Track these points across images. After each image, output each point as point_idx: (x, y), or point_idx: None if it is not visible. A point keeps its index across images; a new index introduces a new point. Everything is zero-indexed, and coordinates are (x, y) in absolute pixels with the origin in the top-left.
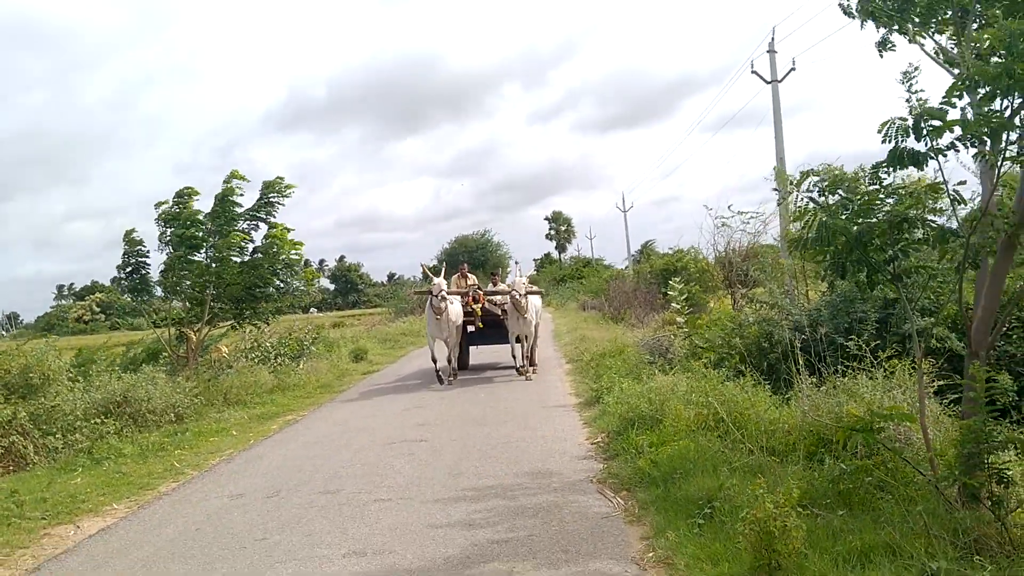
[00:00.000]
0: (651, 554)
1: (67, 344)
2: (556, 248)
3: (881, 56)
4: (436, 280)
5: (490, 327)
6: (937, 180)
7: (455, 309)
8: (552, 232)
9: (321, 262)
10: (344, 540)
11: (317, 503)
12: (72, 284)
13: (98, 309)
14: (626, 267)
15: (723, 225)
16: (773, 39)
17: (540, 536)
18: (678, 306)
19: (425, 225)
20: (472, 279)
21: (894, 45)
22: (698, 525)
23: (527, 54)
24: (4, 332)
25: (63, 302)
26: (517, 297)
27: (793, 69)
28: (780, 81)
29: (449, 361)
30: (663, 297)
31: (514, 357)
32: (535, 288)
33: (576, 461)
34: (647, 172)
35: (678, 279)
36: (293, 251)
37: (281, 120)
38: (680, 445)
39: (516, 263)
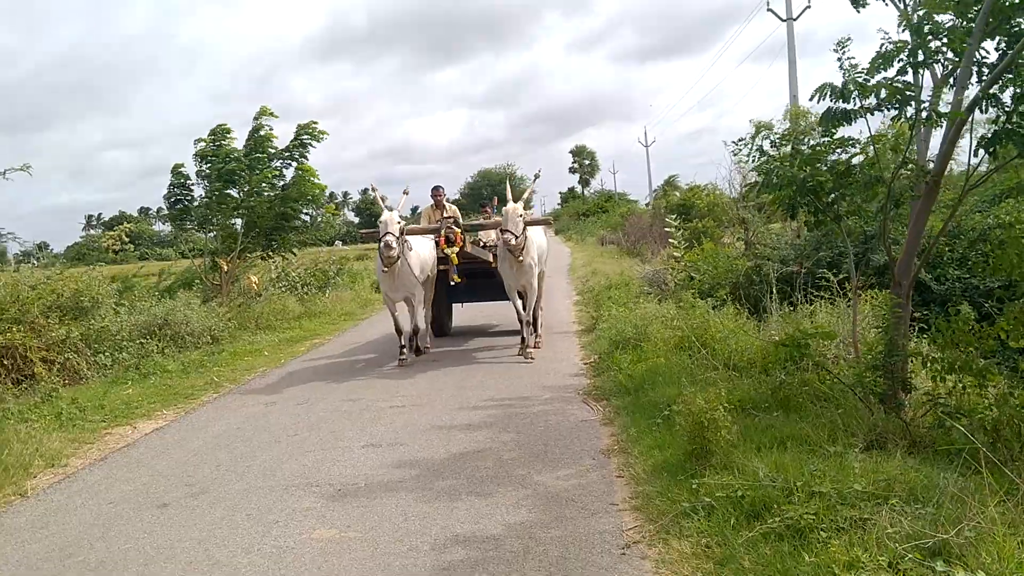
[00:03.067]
0: (615, 447)
1: (100, 273)
2: (579, 182)
3: (858, 11)
4: (385, 214)
5: (478, 278)
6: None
7: (420, 255)
8: (576, 166)
9: (345, 195)
10: (362, 436)
11: (341, 408)
12: (100, 214)
13: (127, 239)
14: (647, 202)
15: (737, 161)
16: None
17: (527, 434)
18: (675, 241)
19: (457, 157)
20: (452, 211)
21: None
22: (656, 424)
23: None
24: (36, 261)
25: (92, 232)
26: (509, 233)
27: (808, 7)
28: (795, 19)
29: (415, 331)
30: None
31: (520, 320)
32: (537, 217)
33: (568, 378)
34: (679, 104)
35: (674, 216)
36: (319, 191)
37: (319, 49)
38: (653, 362)
39: (535, 177)
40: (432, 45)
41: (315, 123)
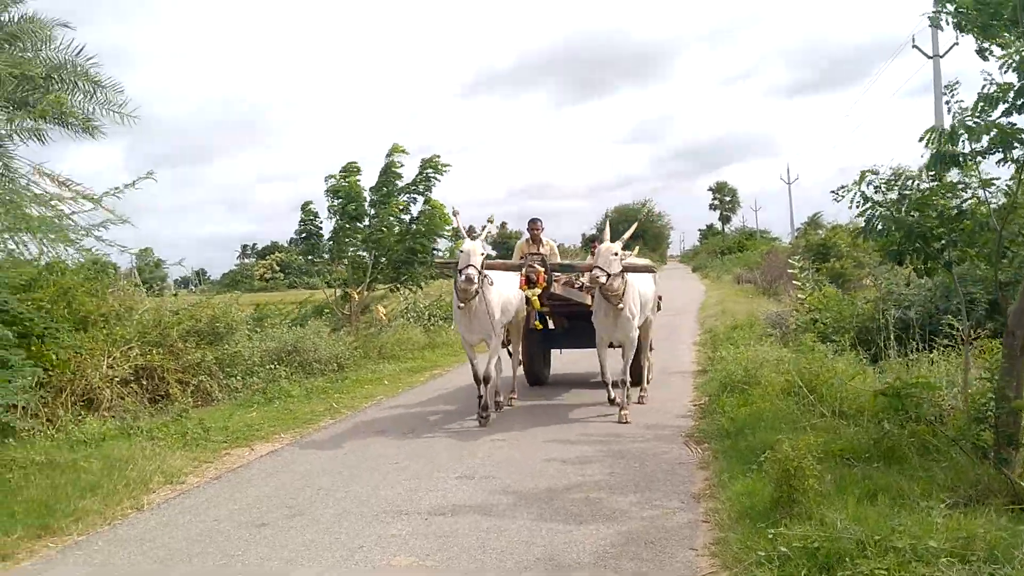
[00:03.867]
0: (707, 491)
1: (248, 299)
2: (720, 219)
3: (985, 60)
4: (467, 244)
5: (579, 321)
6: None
7: (503, 293)
8: (716, 203)
9: (483, 228)
10: (459, 467)
11: (443, 439)
12: (255, 244)
13: (278, 268)
14: (789, 242)
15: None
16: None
17: (620, 474)
18: (799, 282)
19: (595, 193)
20: (549, 247)
21: (992, 53)
22: (751, 469)
23: (716, 16)
24: (194, 287)
25: (246, 260)
26: (600, 277)
27: (956, 44)
28: (941, 57)
29: (485, 380)
30: (816, 272)
31: (604, 379)
32: (639, 261)
33: (674, 419)
34: (826, 140)
35: (797, 257)
36: (446, 225)
37: (464, 86)
38: (757, 407)
39: (642, 213)
40: (574, 82)
41: (438, 156)
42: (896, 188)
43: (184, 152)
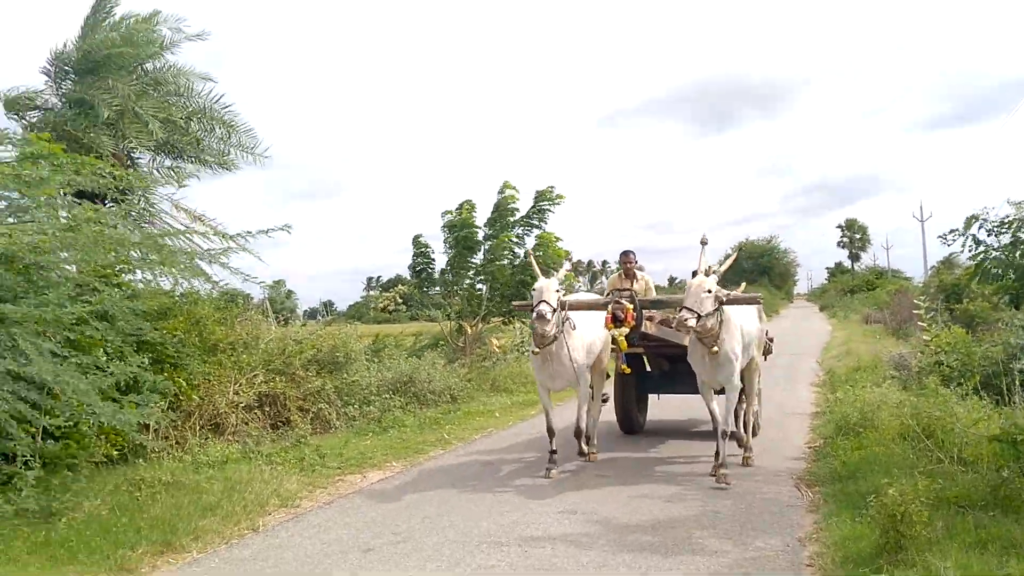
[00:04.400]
0: (814, 534)
1: (369, 330)
2: (849, 257)
3: None
4: (540, 281)
5: (679, 363)
6: None
7: (586, 337)
8: (845, 240)
9: (604, 263)
10: (561, 502)
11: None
12: (379, 276)
13: (400, 300)
14: (921, 281)
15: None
16: None
17: (726, 514)
18: (924, 324)
19: (721, 228)
20: (644, 282)
21: None
22: (860, 514)
23: (853, 49)
24: (320, 318)
25: (371, 292)
26: (688, 320)
27: None
28: None
29: (576, 433)
30: (950, 314)
31: (715, 427)
32: (740, 295)
33: (786, 461)
34: (966, 177)
35: (923, 297)
36: (558, 257)
37: (591, 123)
38: (871, 451)
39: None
40: (702, 116)
41: (551, 187)
42: (1008, 232)
43: (316, 187)
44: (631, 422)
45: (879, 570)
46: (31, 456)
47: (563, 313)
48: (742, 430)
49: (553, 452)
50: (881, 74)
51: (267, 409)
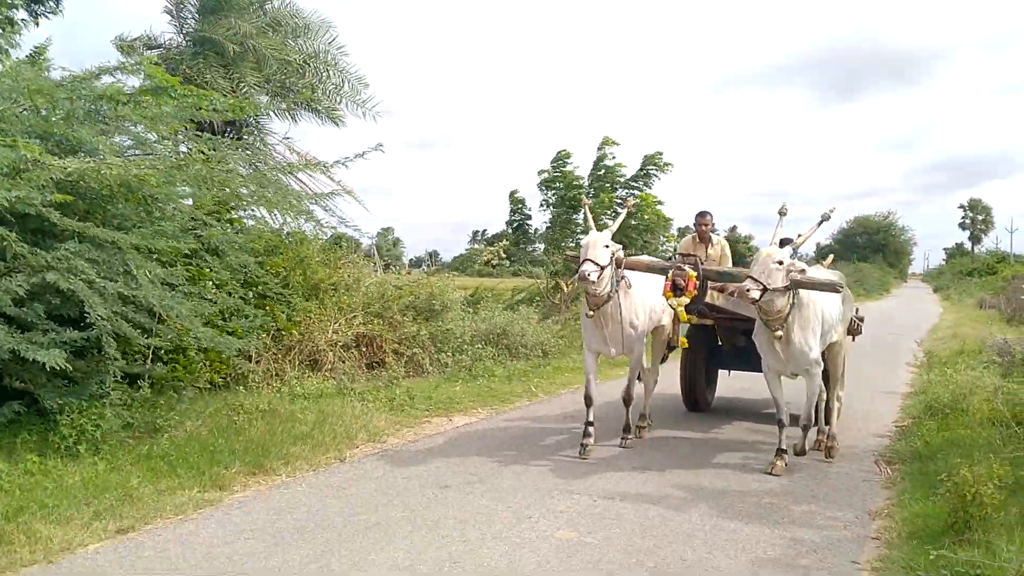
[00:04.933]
0: (885, 509)
1: (470, 282)
2: (969, 239)
3: None
4: (590, 235)
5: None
6: None
7: (647, 299)
8: (967, 221)
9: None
10: (638, 458)
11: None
12: (485, 230)
13: (504, 255)
14: None
15: None
16: None
17: (802, 484)
18: None
19: (839, 201)
20: (719, 247)
21: None
22: (933, 493)
23: (995, 21)
24: (425, 267)
25: (476, 246)
26: (752, 291)
27: None
28: None
29: (625, 401)
30: None
31: (779, 418)
32: (821, 275)
33: (872, 438)
34: None
35: None
36: (658, 220)
37: (713, 87)
38: (956, 433)
39: (823, 219)
40: (828, 84)
41: (660, 153)
42: None
43: (428, 137)
44: (697, 399)
45: (943, 547)
46: (140, 375)
47: (618, 272)
48: (822, 419)
49: (589, 424)
50: (1022, 47)
51: (363, 349)
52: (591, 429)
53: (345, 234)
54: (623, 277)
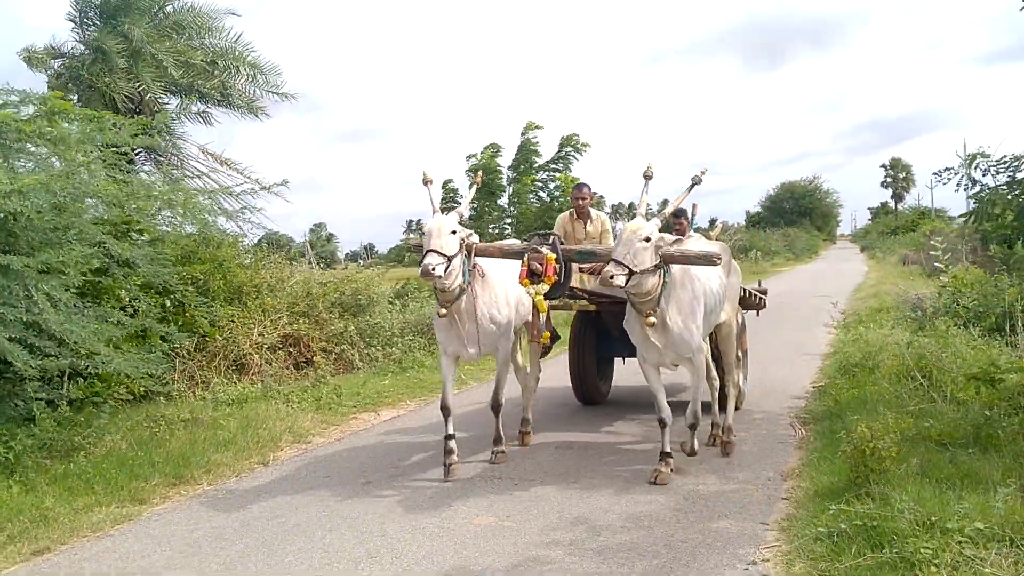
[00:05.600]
0: (796, 470)
1: (405, 273)
2: (892, 197)
3: None
4: (433, 219)
5: None
6: None
7: (501, 289)
8: (889, 180)
9: (631, 206)
10: (557, 438)
11: (550, 414)
12: (419, 220)
13: None
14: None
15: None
16: None
17: (713, 450)
18: (940, 265)
19: (768, 168)
20: (598, 223)
21: None
22: (841, 451)
23: None
24: (361, 261)
25: (411, 235)
26: (615, 278)
27: None
28: None
29: (494, 407)
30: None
31: (660, 416)
32: (696, 247)
33: (790, 400)
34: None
35: (940, 239)
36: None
37: (639, 62)
38: (866, 390)
39: (693, 183)
40: (754, 53)
41: (576, 135)
42: (1007, 171)
43: (359, 129)
44: (589, 392)
45: (843, 503)
46: (57, 397)
47: (467, 260)
48: (716, 410)
49: (450, 437)
50: (939, 6)
51: (291, 350)
52: (452, 444)
53: (277, 233)
54: (476, 267)
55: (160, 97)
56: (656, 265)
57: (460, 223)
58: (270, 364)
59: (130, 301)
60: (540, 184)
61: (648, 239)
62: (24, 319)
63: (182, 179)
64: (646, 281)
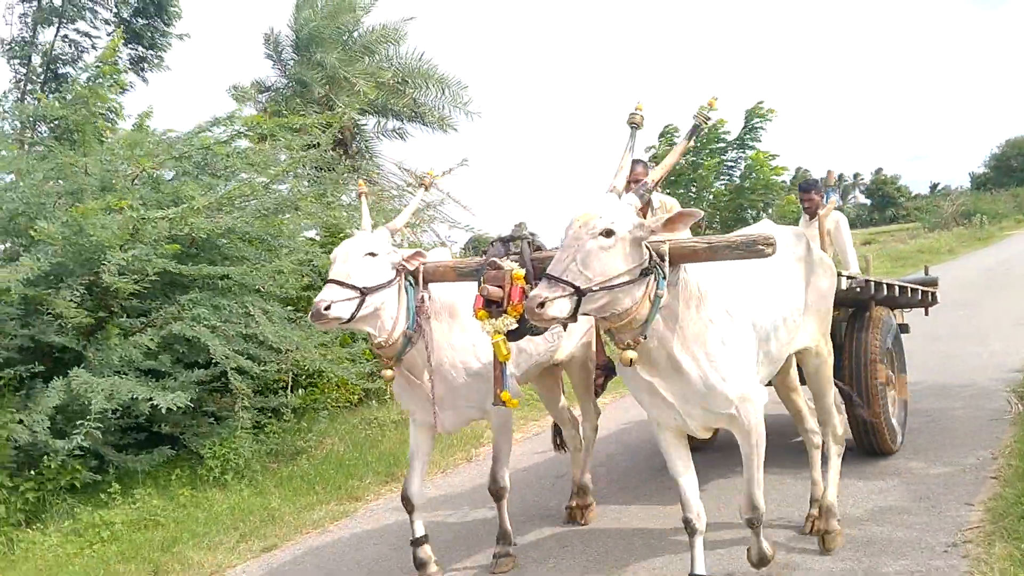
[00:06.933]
0: (1009, 448)
1: None
2: None
3: None
4: (343, 243)
5: None
6: None
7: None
8: None
9: (856, 176)
10: None
11: None
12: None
13: None
14: None
15: None
16: None
17: (926, 424)
18: None
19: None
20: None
21: None
22: None
23: None
24: None
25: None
26: (546, 310)
27: None
28: None
29: (496, 495)
30: None
31: (685, 518)
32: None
33: (1008, 373)
34: None
35: None
36: (774, 175)
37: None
38: None
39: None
40: None
41: (761, 103)
42: None
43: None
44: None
45: None
46: (281, 405)
47: (411, 291)
48: (819, 479)
49: (418, 542)
50: None
51: None
52: (424, 551)
53: (483, 235)
54: (424, 299)
55: (357, 119)
56: (645, 270)
57: (396, 244)
58: None
59: None
60: (730, 164)
61: (609, 233)
62: (243, 332)
63: (382, 193)
64: (618, 300)
